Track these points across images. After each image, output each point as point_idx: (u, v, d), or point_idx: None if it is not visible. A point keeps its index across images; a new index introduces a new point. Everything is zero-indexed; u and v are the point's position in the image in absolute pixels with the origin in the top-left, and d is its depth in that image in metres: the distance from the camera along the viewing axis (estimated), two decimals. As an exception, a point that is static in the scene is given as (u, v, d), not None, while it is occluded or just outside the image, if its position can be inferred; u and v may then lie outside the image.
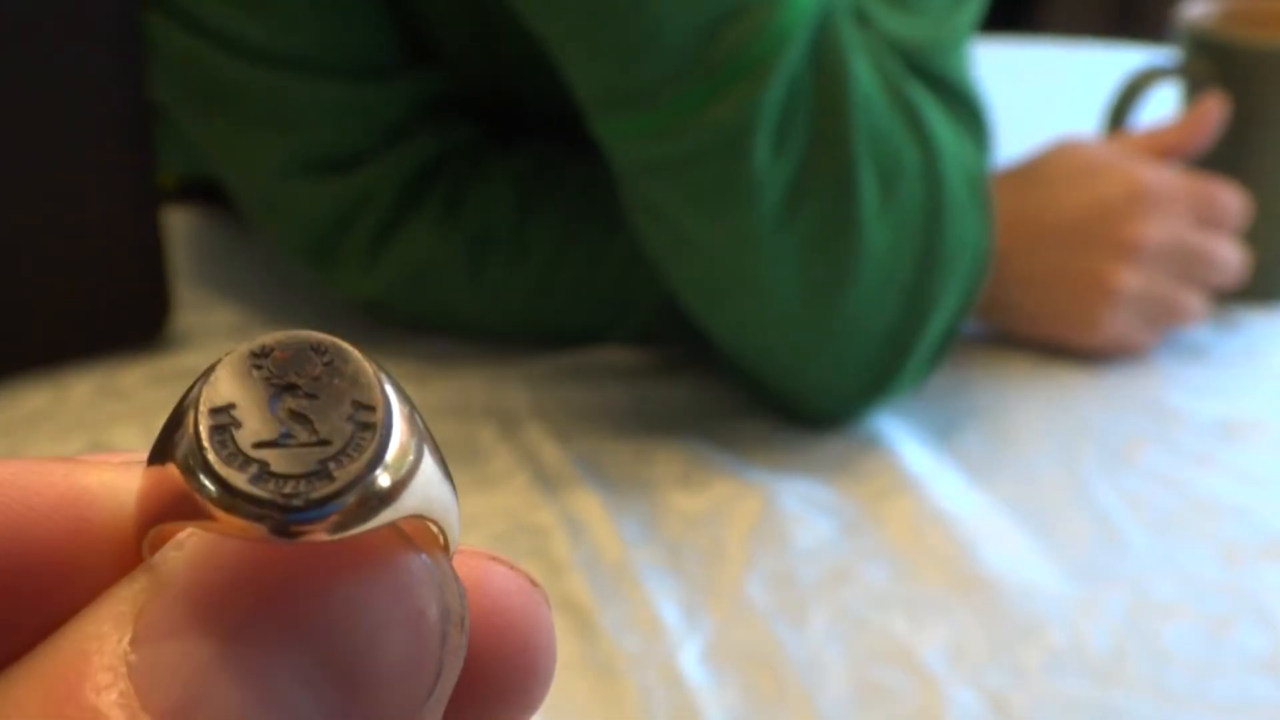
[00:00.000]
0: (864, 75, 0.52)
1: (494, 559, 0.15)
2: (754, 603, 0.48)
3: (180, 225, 0.75)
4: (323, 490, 0.12)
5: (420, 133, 0.62)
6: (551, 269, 0.62)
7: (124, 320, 0.63)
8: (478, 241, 0.62)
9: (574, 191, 0.62)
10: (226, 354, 0.13)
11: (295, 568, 0.13)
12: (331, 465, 0.12)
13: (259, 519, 0.12)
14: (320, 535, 0.12)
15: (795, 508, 0.53)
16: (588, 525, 0.52)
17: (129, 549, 0.14)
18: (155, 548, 0.13)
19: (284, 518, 0.12)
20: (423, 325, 0.65)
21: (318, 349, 0.13)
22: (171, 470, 0.13)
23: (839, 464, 0.56)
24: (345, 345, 0.13)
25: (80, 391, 0.60)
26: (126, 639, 0.12)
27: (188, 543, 0.13)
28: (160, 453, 0.13)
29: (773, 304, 0.54)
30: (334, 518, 0.12)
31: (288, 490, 0.12)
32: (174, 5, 0.59)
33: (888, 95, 0.53)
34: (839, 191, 0.51)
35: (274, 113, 0.60)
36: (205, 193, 0.77)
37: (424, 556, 0.14)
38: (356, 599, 0.13)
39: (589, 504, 0.53)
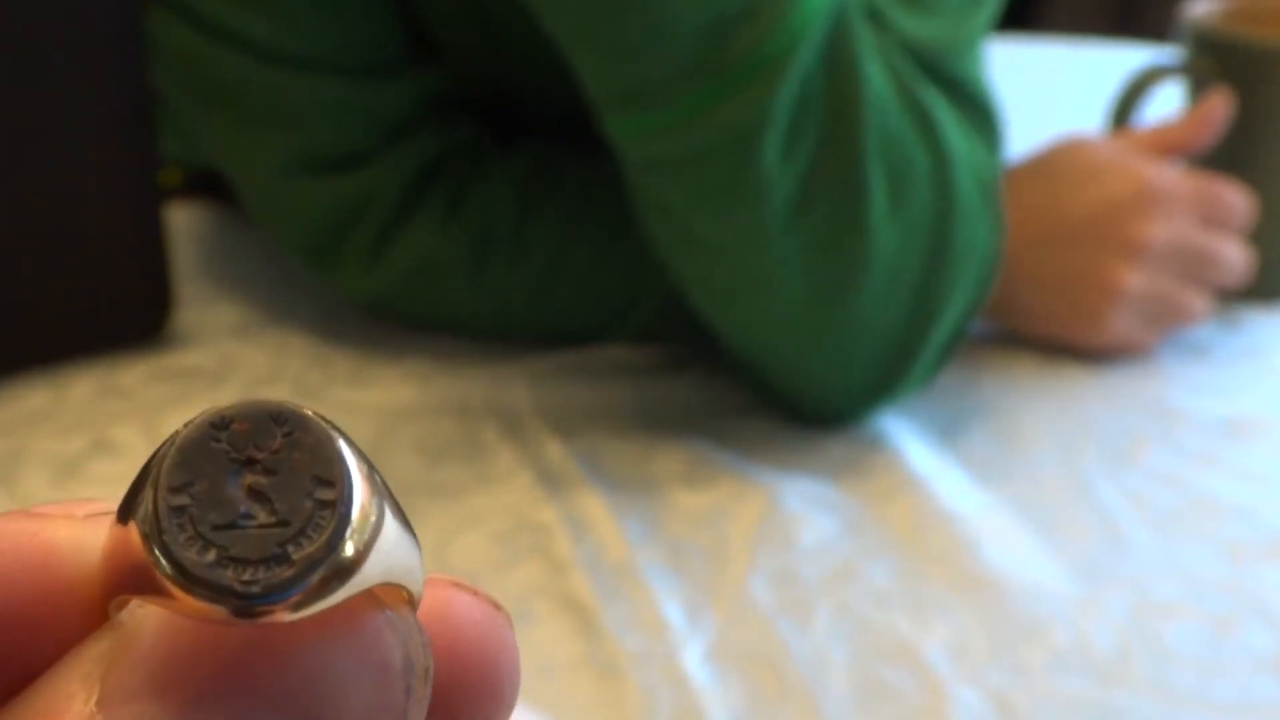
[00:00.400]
0: (876, 77, 0.51)
1: (457, 586, 0.15)
2: (757, 602, 0.48)
3: (182, 222, 0.75)
4: (281, 575, 0.12)
5: (421, 132, 0.62)
6: (552, 269, 0.62)
7: (125, 318, 0.63)
8: (479, 241, 0.62)
9: (575, 192, 0.62)
10: (186, 424, 0.13)
11: (259, 631, 0.13)
12: (290, 548, 0.13)
13: (218, 603, 0.12)
14: (281, 615, 0.12)
15: (798, 507, 0.53)
16: (590, 524, 0.52)
17: (96, 605, 0.14)
18: (122, 605, 0.14)
19: (243, 604, 0.12)
20: (424, 325, 0.65)
21: (277, 418, 0.13)
22: (135, 536, 0.13)
23: (842, 463, 0.56)
24: (305, 413, 0.13)
25: (81, 390, 0.60)
26: (94, 700, 0.12)
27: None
28: (126, 511, 0.13)
29: (780, 304, 0.54)
30: (294, 598, 0.12)
31: (246, 577, 0.12)
32: (176, 1, 0.59)
33: (899, 97, 0.52)
34: (848, 193, 0.51)
35: (275, 111, 0.60)
36: (208, 189, 0.77)
37: (387, 612, 0.14)
38: (320, 659, 0.13)
39: (591, 503, 0.53)
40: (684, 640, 0.46)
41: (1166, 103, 0.71)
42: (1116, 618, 0.47)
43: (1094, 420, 0.60)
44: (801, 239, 0.52)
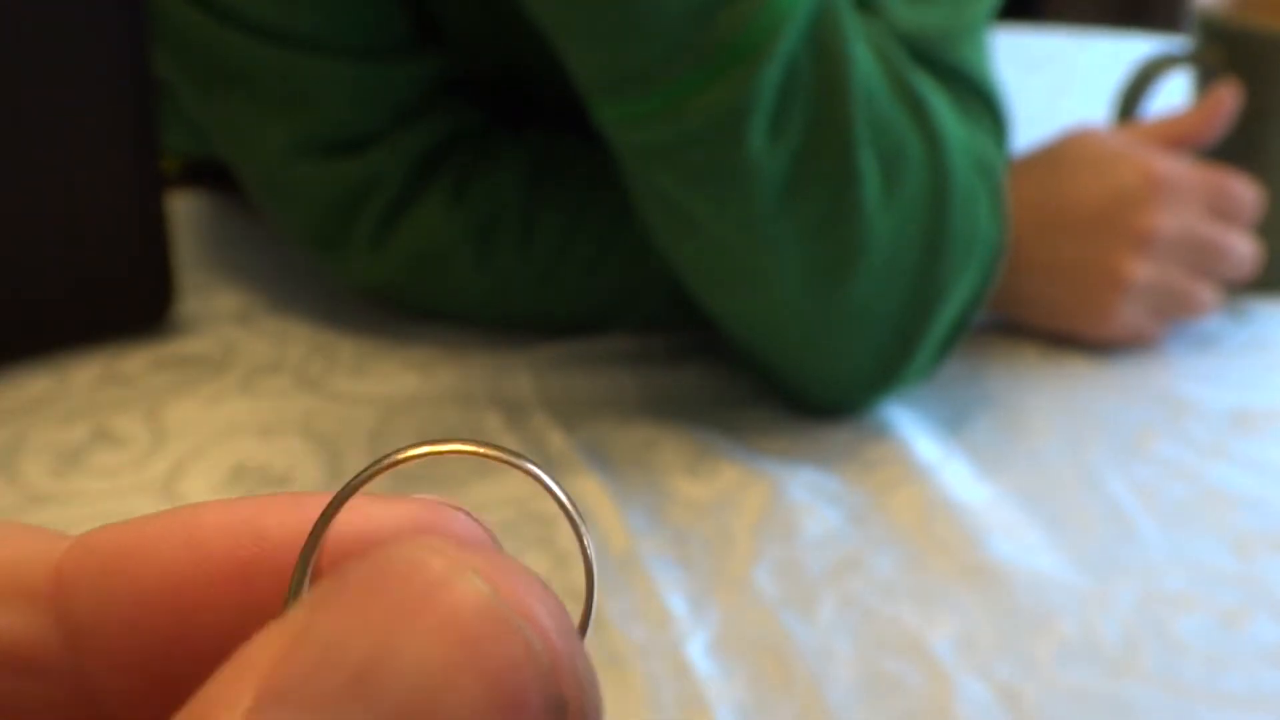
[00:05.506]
0: (865, 63, 0.51)
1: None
2: (762, 592, 0.48)
3: (184, 210, 0.75)
4: None
5: (428, 116, 0.62)
6: (558, 255, 0.61)
7: (127, 305, 0.63)
8: (484, 226, 0.61)
9: (581, 177, 0.62)
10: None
11: (385, 641, 0.13)
12: None
13: None
14: None
15: (803, 497, 0.53)
16: (594, 514, 0.51)
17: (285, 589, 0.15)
18: (297, 590, 0.15)
19: None
20: (429, 312, 0.64)
21: None
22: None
23: (847, 453, 0.56)
24: None
25: (83, 377, 0.60)
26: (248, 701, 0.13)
27: (310, 594, 0.14)
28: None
29: (776, 291, 0.53)
30: None
31: None
32: None
33: (890, 84, 0.52)
34: (840, 179, 0.51)
35: (280, 93, 0.60)
36: (210, 176, 0.77)
37: (530, 638, 0.13)
38: (444, 683, 0.12)
39: (595, 493, 0.53)
40: (688, 631, 0.46)
41: (1174, 94, 0.70)
42: (1124, 609, 0.47)
43: (1101, 411, 0.59)
44: (794, 223, 0.51)
